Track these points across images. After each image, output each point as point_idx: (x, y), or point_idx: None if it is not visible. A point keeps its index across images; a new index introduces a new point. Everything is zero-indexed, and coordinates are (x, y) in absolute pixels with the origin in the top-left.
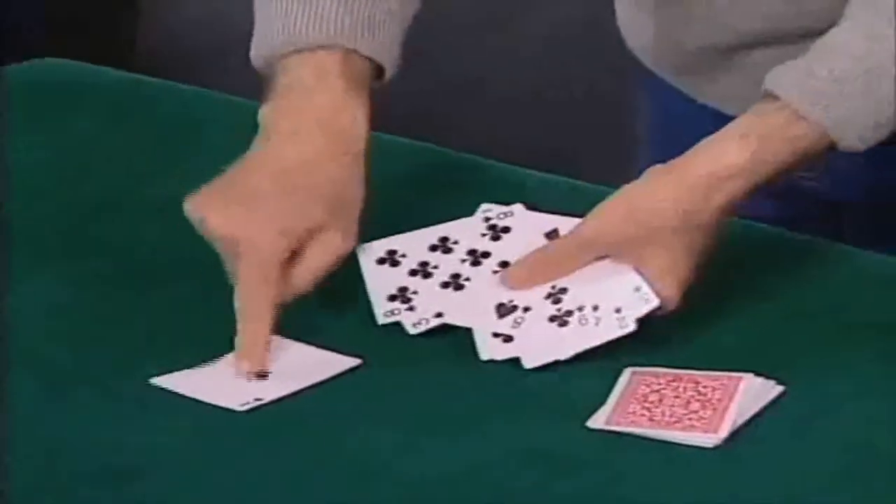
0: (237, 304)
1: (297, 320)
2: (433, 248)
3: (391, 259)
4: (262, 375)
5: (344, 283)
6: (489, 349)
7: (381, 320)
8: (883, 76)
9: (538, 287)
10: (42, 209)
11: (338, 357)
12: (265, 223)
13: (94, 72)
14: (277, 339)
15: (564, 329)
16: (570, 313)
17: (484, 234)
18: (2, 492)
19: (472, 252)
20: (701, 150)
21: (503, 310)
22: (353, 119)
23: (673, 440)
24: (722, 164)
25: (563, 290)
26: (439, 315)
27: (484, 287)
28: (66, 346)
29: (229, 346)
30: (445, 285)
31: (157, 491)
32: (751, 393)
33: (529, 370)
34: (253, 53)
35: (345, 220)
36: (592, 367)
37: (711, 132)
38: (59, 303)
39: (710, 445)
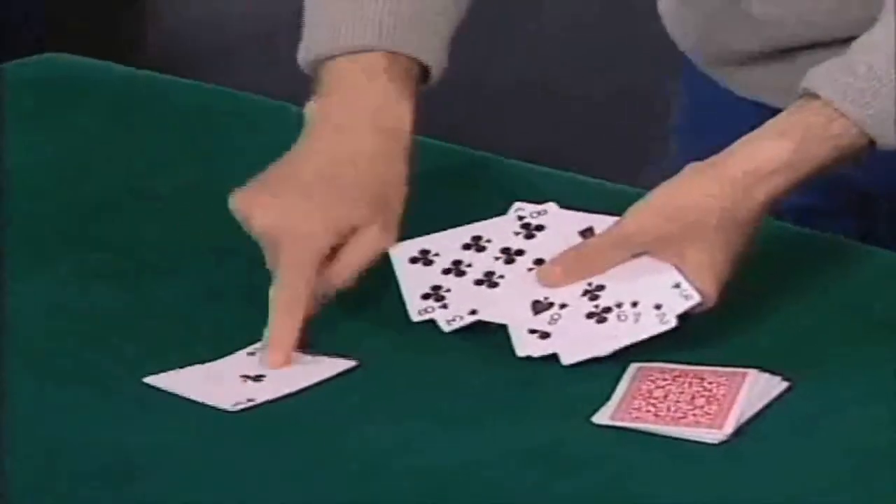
0: (272, 294)
1: None
2: (466, 247)
3: (424, 258)
4: (259, 377)
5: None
6: (525, 345)
7: (416, 318)
8: None
9: (574, 285)
10: (43, 206)
11: (334, 359)
12: (311, 216)
13: (97, 67)
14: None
15: (603, 325)
16: (608, 310)
17: (518, 233)
18: (1, 492)
19: (505, 250)
20: (740, 147)
21: (539, 307)
22: (400, 118)
23: (678, 436)
24: (762, 161)
25: (601, 287)
26: (473, 312)
27: (519, 284)
28: (66, 345)
29: (229, 346)
30: (479, 283)
31: (157, 490)
32: (756, 388)
33: (533, 367)
34: (301, 56)
35: (387, 216)
36: (597, 363)
37: (742, 121)
38: (60, 301)
39: (715, 441)
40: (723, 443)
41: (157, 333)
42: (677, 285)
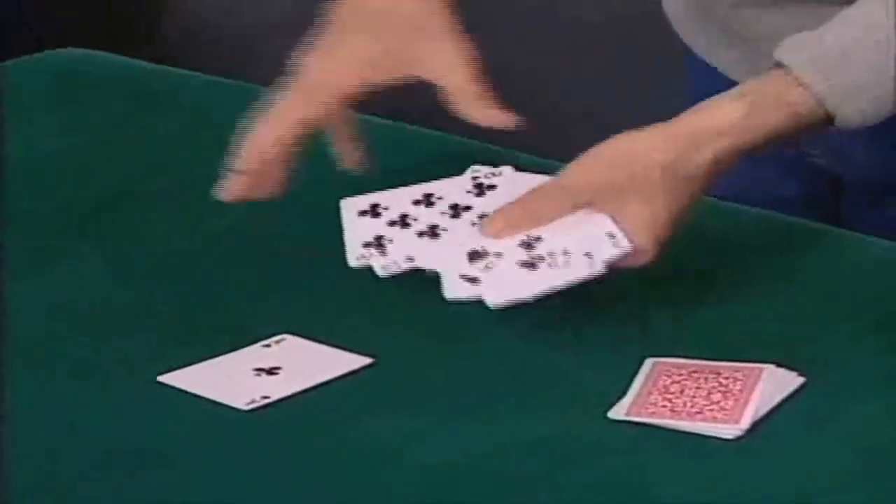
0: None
1: (309, 319)
2: (416, 203)
3: (373, 211)
4: (273, 370)
5: (355, 281)
6: (454, 289)
7: (353, 263)
8: (891, 48)
9: (513, 236)
10: (55, 199)
11: (349, 355)
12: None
13: (111, 61)
14: (289, 338)
15: (533, 272)
16: (541, 258)
17: (469, 192)
18: (1, 492)
19: (453, 206)
20: (698, 106)
21: (475, 256)
22: None
23: (694, 431)
24: (712, 120)
25: (538, 239)
26: (410, 260)
27: (460, 236)
28: (70, 343)
29: (233, 345)
30: (422, 234)
31: (168, 482)
32: (772, 383)
33: (548, 362)
34: None
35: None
36: (613, 357)
37: None
38: (64, 297)
39: (732, 437)
40: (737, 438)
41: (161, 331)
42: (612, 235)
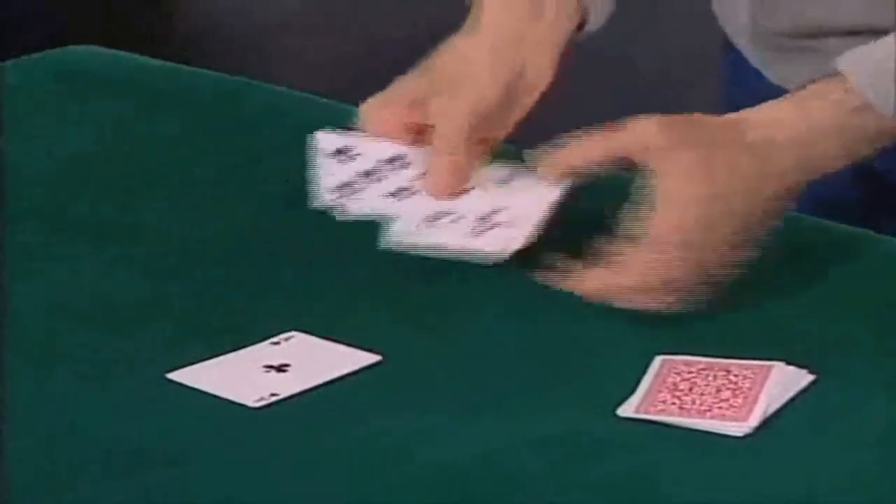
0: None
1: (318, 316)
2: (391, 161)
3: (347, 154)
4: (282, 368)
5: (363, 279)
6: (392, 235)
7: (316, 204)
8: None
9: (482, 204)
10: (65, 196)
11: (357, 353)
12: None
13: (122, 58)
14: (298, 336)
15: (475, 237)
16: (485, 225)
17: None
18: (3, 492)
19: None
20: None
21: (436, 215)
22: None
23: (703, 429)
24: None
25: (505, 209)
26: (373, 209)
27: (427, 201)
28: (82, 340)
29: (247, 340)
30: (391, 195)
31: (176, 480)
32: (782, 381)
33: (557, 360)
34: None
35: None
36: (623, 355)
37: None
38: (76, 293)
39: (741, 434)
40: (746, 436)
41: (170, 329)
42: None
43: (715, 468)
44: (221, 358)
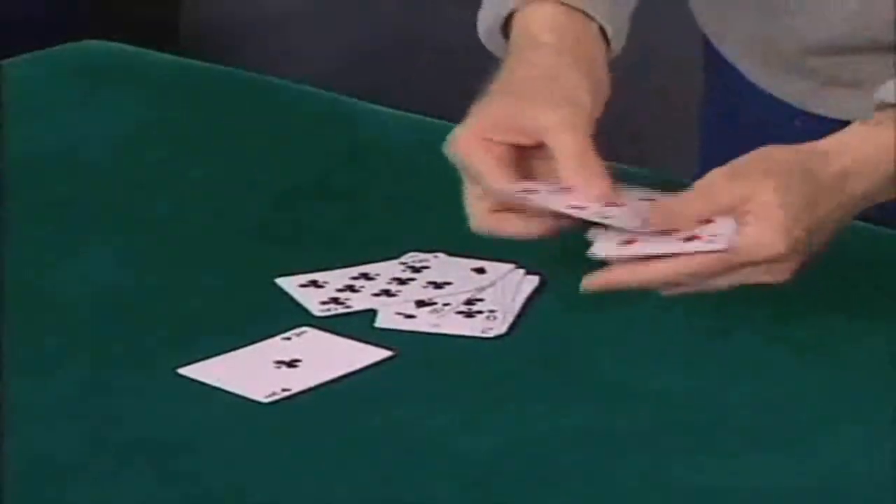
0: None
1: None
2: (355, 279)
3: (314, 285)
4: (293, 363)
5: None
6: (384, 320)
7: (317, 313)
8: None
9: (463, 295)
10: (80, 190)
11: (369, 348)
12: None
13: (135, 53)
14: (310, 331)
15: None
16: (471, 310)
17: (404, 272)
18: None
19: (396, 279)
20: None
21: (425, 304)
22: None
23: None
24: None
25: (480, 300)
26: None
27: (415, 294)
28: (94, 333)
29: (263, 332)
30: (377, 295)
31: (188, 475)
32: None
33: (574, 354)
34: (485, 28)
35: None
36: (644, 352)
37: (764, 112)
38: (97, 284)
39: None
40: (764, 432)
41: (181, 324)
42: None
43: (726, 460)
44: (233, 353)
